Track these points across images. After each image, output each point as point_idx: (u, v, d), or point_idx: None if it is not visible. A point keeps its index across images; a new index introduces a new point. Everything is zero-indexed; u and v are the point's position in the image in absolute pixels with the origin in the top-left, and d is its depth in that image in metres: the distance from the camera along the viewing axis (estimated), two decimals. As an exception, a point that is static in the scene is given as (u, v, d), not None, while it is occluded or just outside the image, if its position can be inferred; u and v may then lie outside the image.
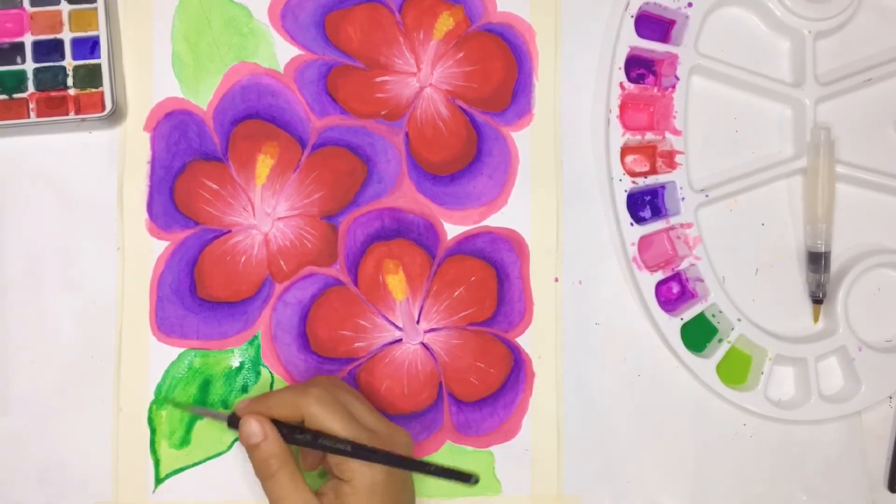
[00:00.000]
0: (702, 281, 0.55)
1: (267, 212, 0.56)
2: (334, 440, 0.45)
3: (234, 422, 0.47)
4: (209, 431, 0.54)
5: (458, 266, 0.56)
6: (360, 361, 0.55)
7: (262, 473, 0.46)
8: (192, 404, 0.54)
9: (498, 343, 0.56)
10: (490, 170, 0.57)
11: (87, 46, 0.55)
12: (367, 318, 0.56)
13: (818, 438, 0.56)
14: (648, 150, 0.57)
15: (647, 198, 0.57)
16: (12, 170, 0.56)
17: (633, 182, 0.56)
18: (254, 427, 0.46)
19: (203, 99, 0.57)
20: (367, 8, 0.57)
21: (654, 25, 0.58)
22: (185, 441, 0.54)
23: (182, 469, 0.54)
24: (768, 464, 0.56)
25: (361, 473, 0.46)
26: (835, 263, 0.57)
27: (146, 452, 0.54)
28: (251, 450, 0.46)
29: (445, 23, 0.57)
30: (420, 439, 0.55)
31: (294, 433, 0.46)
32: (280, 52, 0.57)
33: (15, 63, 0.55)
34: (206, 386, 0.55)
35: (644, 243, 0.56)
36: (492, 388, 0.56)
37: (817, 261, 0.56)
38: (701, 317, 0.56)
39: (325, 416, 0.46)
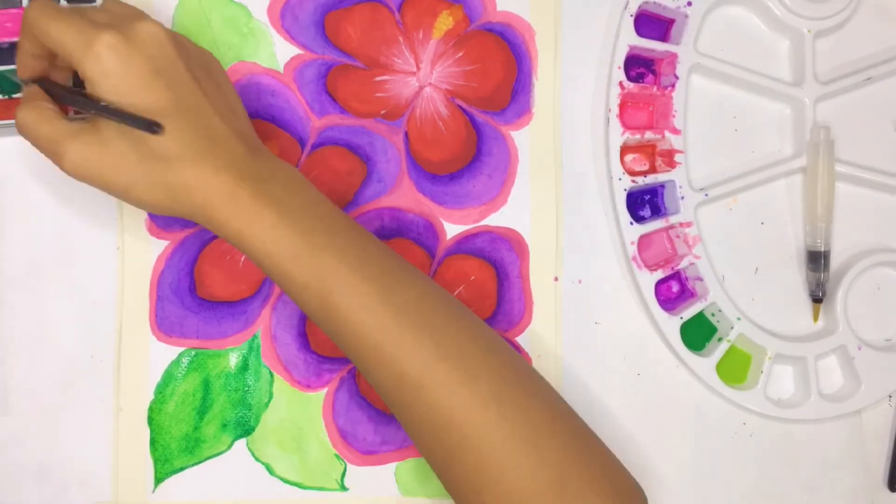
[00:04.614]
0: (701, 280, 0.55)
1: (266, 211, 0.56)
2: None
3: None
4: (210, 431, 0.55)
5: (457, 265, 0.56)
6: (360, 361, 0.55)
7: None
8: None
9: (498, 342, 0.56)
10: (490, 169, 0.57)
11: (87, 46, 0.55)
12: (366, 318, 0.56)
13: (818, 437, 0.56)
14: (648, 149, 0.57)
15: (647, 197, 0.57)
16: (12, 170, 0.56)
17: (633, 181, 0.56)
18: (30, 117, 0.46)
19: (202, 98, 0.56)
20: (366, 7, 0.57)
21: (653, 24, 0.58)
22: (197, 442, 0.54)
23: (182, 469, 0.54)
24: (768, 463, 0.56)
25: None
26: (834, 262, 0.57)
27: (146, 452, 0.54)
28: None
29: (445, 22, 0.57)
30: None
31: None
32: (279, 52, 0.57)
33: (14, 63, 0.55)
34: (205, 386, 0.55)
35: (643, 242, 0.56)
36: (492, 388, 0.55)
37: (817, 260, 0.56)
38: (700, 316, 0.56)
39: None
